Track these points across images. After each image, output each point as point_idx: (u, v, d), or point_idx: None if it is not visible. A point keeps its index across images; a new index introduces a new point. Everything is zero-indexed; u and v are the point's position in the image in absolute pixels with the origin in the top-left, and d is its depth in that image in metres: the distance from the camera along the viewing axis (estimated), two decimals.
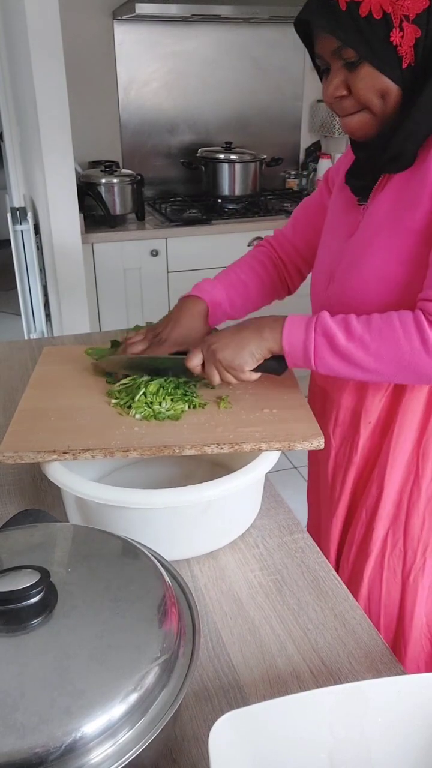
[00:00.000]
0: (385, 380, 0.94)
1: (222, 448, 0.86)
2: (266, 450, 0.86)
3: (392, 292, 0.91)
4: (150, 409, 0.93)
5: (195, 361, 0.95)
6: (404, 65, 0.82)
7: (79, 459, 0.84)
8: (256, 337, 0.91)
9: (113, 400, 0.97)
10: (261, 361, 0.92)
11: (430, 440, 1.00)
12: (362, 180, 0.98)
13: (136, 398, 0.95)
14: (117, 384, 1.01)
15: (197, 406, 0.95)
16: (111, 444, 0.86)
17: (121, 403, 0.96)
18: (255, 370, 0.93)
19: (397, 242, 0.90)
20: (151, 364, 1.01)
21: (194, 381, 1.00)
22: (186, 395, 0.97)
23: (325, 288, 1.03)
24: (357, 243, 0.97)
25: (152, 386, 0.97)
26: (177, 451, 0.85)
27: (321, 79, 0.93)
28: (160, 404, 0.94)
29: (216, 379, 0.94)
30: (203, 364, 0.95)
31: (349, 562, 1.13)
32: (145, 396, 0.95)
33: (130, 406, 0.94)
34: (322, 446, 0.88)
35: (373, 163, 0.94)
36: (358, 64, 0.84)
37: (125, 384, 1.00)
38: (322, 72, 0.92)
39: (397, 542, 1.06)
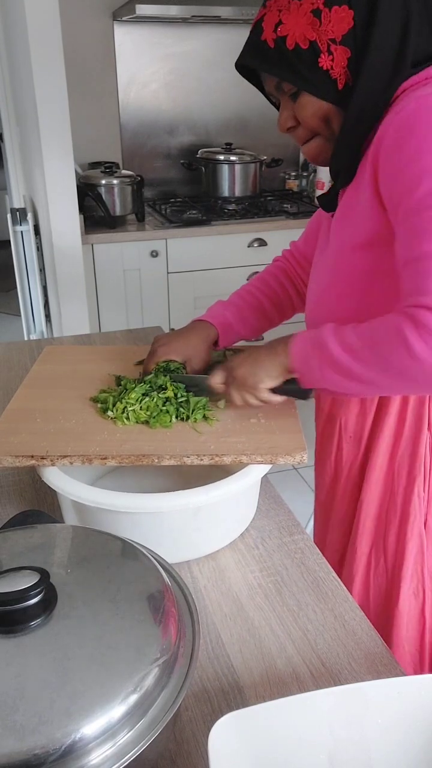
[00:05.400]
0: (385, 392, 0.91)
1: (202, 460, 0.84)
2: (247, 462, 0.85)
3: (376, 311, 0.83)
4: (126, 414, 0.92)
5: (216, 379, 0.96)
6: (340, 86, 0.84)
7: (57, 465, 0.83)
8: (270, 354, 0.89)
9: (99, 405, 0.96)
10: (280, 381, 0.89)
11: (404, 456, 0.98)
12: (328, 194, 0.97)
13: (115, 405, 0.94)
14: (108, 388, 1.01)
15: (186, 418, 0.93)
16: (90, 451, 0.85)
17: (104, 408, 0.95)
18: (279, 392, 0.90)
19: (350, 265, 0.89)
20: (175, 379, 1.01)
21: (216, 399, 0.97)
22: (177, 409, 0.94)
23: (310, 311, 1.02)
24: (324, 263, 0.96)
25: (134, 394, 0.95)
26: (156, 460, 0.84)
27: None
28: (140, 408, 0.93)
29: (237, 399, 0.93)
30: (227, 385, 0.94)
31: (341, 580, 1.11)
32: (121, 402, 0.94)
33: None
34: (305, 461, 0.86)
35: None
36: (298, 95, 0.87)
37: (113, 390, 1.00)
38: (278, 107, 0.94)
39: (379, 561, 1.04)
